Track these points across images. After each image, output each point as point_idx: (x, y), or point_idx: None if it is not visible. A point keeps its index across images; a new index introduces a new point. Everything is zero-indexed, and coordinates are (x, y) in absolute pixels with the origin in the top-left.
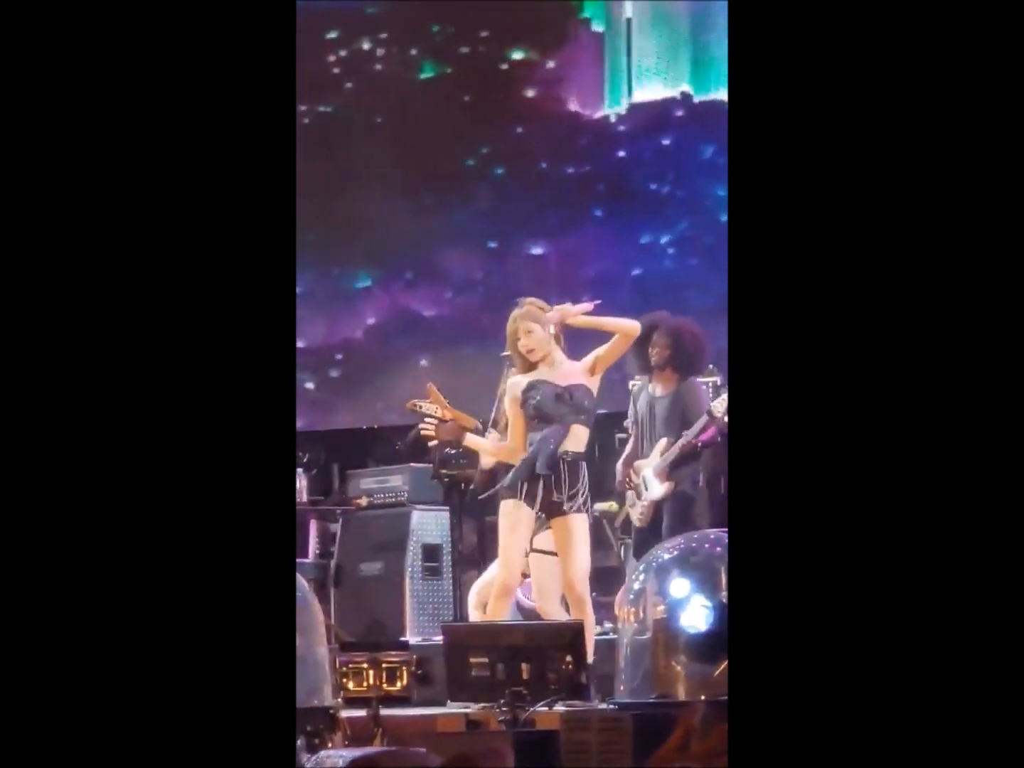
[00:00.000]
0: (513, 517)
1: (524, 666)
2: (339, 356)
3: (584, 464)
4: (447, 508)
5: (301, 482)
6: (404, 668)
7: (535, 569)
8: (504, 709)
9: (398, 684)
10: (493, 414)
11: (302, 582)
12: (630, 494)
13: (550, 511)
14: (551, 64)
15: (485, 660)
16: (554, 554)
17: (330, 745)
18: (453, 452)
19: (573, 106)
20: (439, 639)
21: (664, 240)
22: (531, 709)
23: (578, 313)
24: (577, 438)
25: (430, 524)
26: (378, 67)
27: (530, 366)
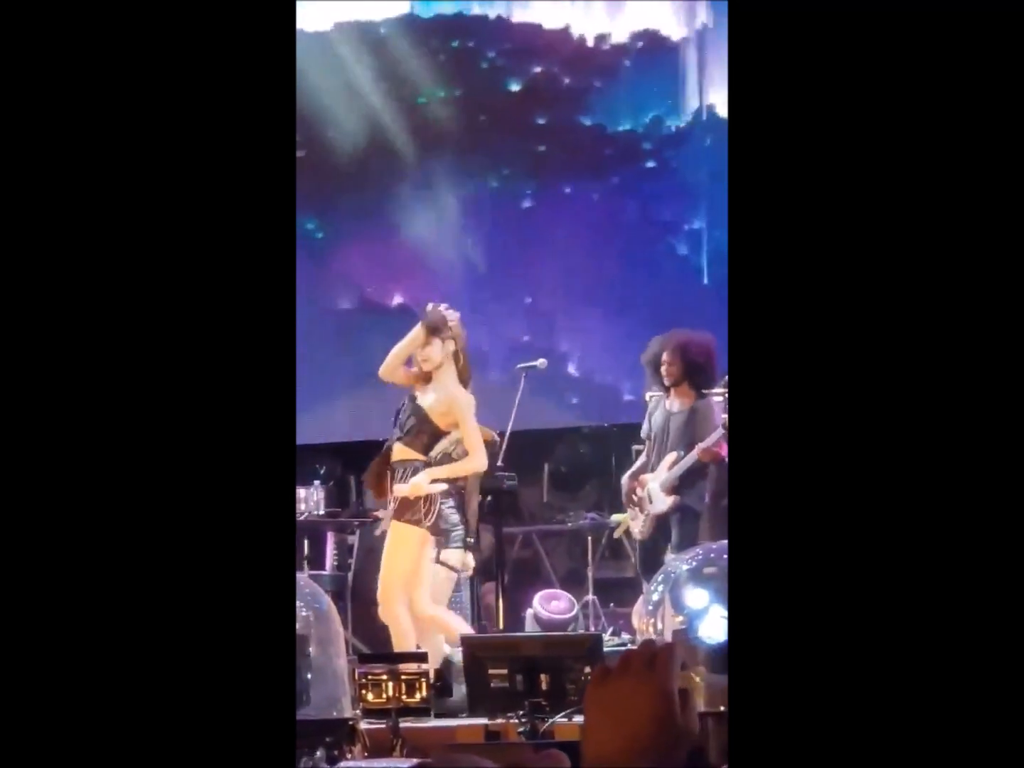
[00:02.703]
0: None
1: (543, 677)
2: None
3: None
4: None
5: (319, 494)
6: (423, 680)
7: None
8: (524, 720)
9: (417, 696)
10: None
11: (321, 594)
12: (631, 507)
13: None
14: (567, 80)
15: (504, 672)
16: (454, 569)
17: (349, 756)
18: None
19: (593, 121)
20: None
21: (696, 252)
22: (550, 720)
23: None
24: (407, 454)
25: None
26: (390, 89)
27: (425, 376)
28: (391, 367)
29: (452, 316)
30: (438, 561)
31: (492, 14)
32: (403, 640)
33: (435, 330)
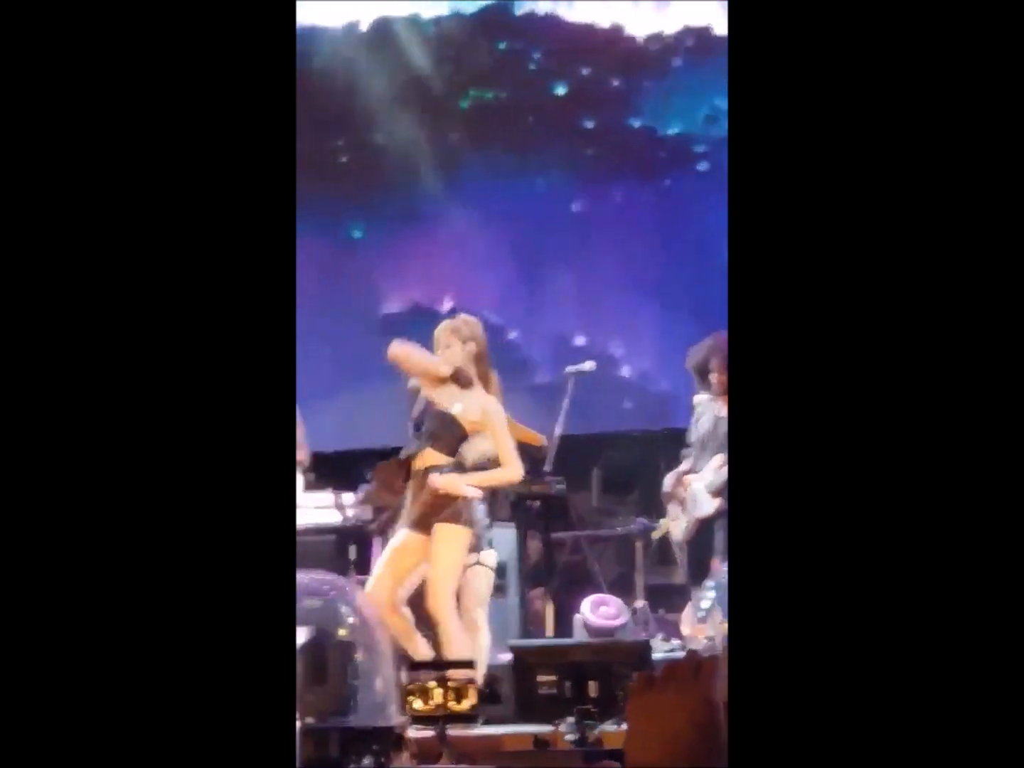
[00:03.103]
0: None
1: (591, 684)
2: None
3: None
4: (513, 524)
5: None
6: (471, 686)
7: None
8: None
9: (465, 703)
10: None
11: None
12: (673, 508)
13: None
14: (615, 82)
15: (553, 678)
16: (493, 569)
17: (396, 764)
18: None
19: (643, 123)
20: (506, 657)
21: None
22: (599, 727)
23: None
24: (435, 458)
25: (497, 541)
26: (435, 91)
27: (443, 379)
28: (401, 362)
29: (471, 319)
30: (478, 562)
31: (540, 12)
32: (455, 644)
33: (461, 382)
